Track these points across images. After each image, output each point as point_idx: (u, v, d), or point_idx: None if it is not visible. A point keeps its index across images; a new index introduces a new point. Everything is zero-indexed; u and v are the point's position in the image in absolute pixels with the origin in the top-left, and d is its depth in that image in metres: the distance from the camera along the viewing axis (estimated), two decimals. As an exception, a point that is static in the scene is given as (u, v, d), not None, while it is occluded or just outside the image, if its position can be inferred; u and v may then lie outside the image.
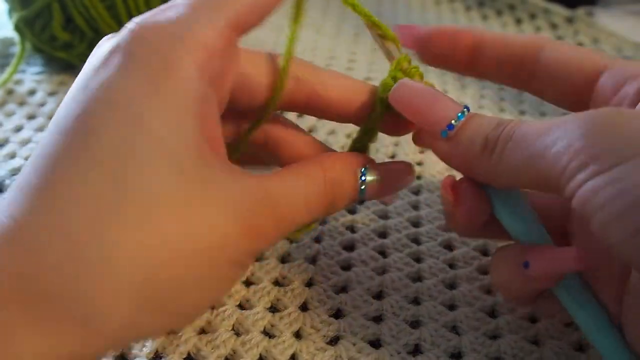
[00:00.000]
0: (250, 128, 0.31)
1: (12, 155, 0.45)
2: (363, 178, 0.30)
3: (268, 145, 0.33)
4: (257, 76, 0.29)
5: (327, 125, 0.50)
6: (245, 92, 0.29)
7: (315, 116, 0.32)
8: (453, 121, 0.27)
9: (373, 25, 0.32)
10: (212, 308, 0.33)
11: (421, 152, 0.47)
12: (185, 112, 0.23)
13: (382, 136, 0.33)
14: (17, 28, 0.53)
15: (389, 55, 0.32)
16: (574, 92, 0.29)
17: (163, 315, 0.24)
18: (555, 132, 0.22)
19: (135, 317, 0.23)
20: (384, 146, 0.47)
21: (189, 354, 0.30)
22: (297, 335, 0.32)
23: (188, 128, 0.23)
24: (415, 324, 0.32)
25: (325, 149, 0.33)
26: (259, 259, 0.36)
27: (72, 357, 0.22)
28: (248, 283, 0.35)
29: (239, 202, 0.25)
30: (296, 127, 0.33)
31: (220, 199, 0.24)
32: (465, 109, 0.27)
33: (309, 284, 0.35)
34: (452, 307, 0.34)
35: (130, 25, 0.24)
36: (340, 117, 0.32)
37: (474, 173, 0.27)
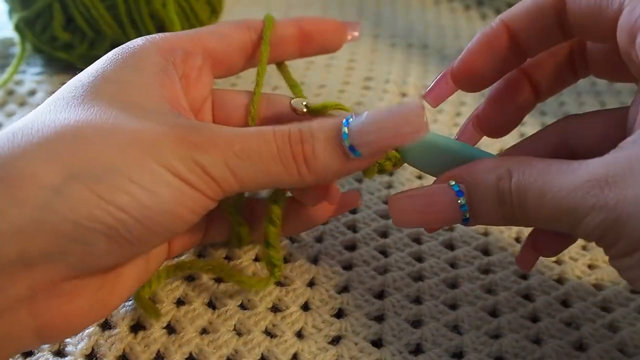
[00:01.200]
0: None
1: (13, 156, 0.45)
2: (346, 124, 0.27)
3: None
4: (234, 95, 0.35)
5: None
6: (226, 103, 0.34)
7: None
8: (465, 213, 0.27)
9: None
10: (214, 308, 0.33)
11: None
12: (144, 75, 0.29)
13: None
14: (18, 28, 0.53)
15: None
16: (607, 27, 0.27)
17: (92, 197, 0.23)
18: (581, 195, 0.23)
19: (63, 188, 0.23)
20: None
21: (190, 354, 0.30)
22: (299, 335, 0.32)
23: (146, 83, 0.28)
24: (416, 324, 0.33)
25: None
26: (260, 258, 0.36)
27: None
28: (250, 283, 0.35)
29: (176, 122, 0.27)
30: None
31: (158, 119, 0.27)
32: (459, 195, 0.27)
33: (311, 283, 0.35)
34: (453, 307, 0.34)
35: None
36: None
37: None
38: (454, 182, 0.27)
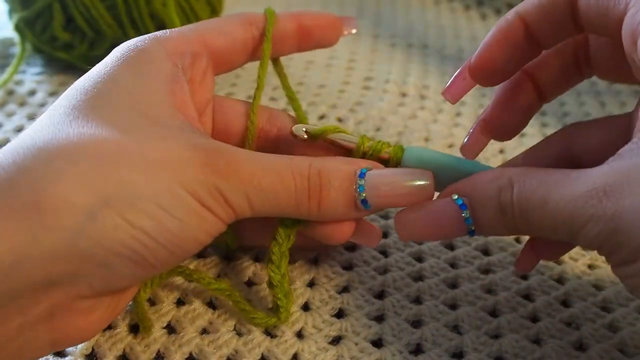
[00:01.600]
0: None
1: (13, 156, 0.45)
2: (362, 176, 0.29)
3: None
4: (235, 103, 0.35)
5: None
6: (226, 110, 0.34)
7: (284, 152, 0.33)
8: (470, 226, 0.27)
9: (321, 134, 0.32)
10: (214, 308, 0.33)
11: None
12: (156, 83, 0.29)
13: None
14: (18, 28, 0.53)
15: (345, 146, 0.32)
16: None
17: (123, 223, 0.24)
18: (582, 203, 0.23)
19: (96, 214, 0.23)
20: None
21: (190, 354, 0.30)
22: (299, 335, 0.32)
23: (158, 92, 0.28)
24: (416, 324, 0.33)
25: None
26: (261, 258, 0.36)
27: (22, 252, 0.22)
28: (250, 283, 0.35)
29: (198, 143, 0.27)
30: None
31: (180, 138, 0.27)
32: (463, 208, 0.27)
33: (311, 283, 0.35)
34: (453, 307, 0.34)
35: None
36: (305, 151, 0.32)
37: None
38: (457, 196, 0.27)
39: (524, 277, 0.36)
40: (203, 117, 0.33)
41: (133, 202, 0.24)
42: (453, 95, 0.33)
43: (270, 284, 0.31)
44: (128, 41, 0.30)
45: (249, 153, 0.28)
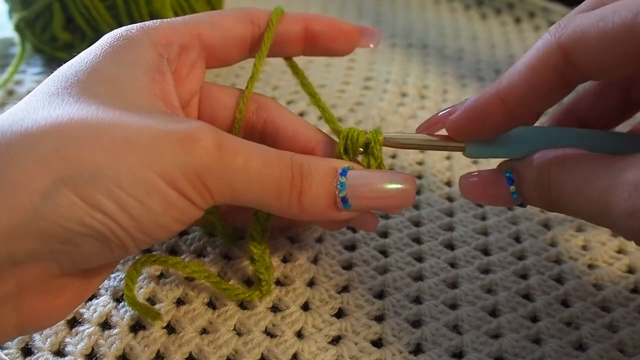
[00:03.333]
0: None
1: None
2: (343, 174, 0.28)
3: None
4: (223, 94, 0.34)
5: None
6: (213, 102, 0.34)
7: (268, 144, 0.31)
8: (518, 200, 0.29)
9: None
10: (214, 308, 0.33)
11: (421, 151, 0.47)
12: (138, 71, 0.28)
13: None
14: (18, 28, 0.53)
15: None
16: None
17: (79, 202, 0.23)
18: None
19: (51, 193, 0.23)
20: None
21: (190, 354, 0.30)
22: (299, 334, 0.32)
23: (139, 80, 0.28)
24: (416, 323, 0.33)
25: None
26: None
27: None
28: (250, 283, 0.35)
29: (178, 120, 0.26)
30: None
31: (159, 118, 0.26)
32: (509, 182, 0.29)
33: (311, 283, 0.35)
34: (453, 306, 0.34)
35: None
36: (289, 147, 0.32)
37: None
38: (507, 171, 0.29)
39: (524, 277, 0.36)
40: (187, 110, 0.33)
41: (91, 182, 0.23)
42: (429, 131, 0.31)
43: (252, 259, 0.32)
44: (115, 30, 0.30)
45: (232, 137, 0.27)
